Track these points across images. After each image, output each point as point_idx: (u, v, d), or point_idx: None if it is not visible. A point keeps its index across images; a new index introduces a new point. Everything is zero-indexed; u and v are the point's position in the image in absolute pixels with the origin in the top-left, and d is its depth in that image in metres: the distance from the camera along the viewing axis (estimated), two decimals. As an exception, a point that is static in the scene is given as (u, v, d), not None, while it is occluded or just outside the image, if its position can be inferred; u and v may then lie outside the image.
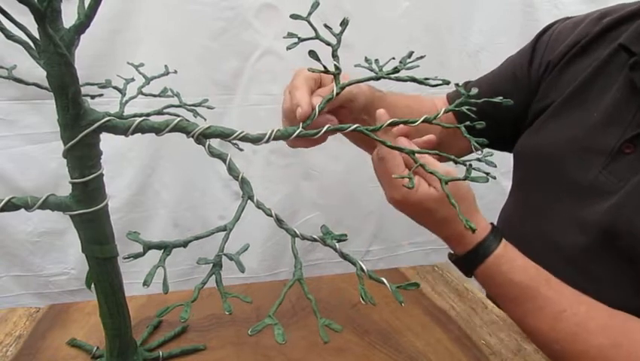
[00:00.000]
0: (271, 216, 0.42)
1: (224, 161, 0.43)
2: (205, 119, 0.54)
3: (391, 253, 1.46)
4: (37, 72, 0.44)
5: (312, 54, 0.46)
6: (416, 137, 0.57)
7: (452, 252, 0.59)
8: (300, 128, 0.46)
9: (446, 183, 0.43)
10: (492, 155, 0.47)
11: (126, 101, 0.59)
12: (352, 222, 1.38)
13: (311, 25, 0.47)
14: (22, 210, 0.42)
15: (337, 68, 0.49)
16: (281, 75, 1.20)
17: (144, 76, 0.62)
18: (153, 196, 1.23)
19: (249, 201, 0.42)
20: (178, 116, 0.44)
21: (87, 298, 0.64)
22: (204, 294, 0.40)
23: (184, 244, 0.42)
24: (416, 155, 0.47)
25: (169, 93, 0.64)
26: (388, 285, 0.40)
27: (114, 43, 1.10)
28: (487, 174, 0.43)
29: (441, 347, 0.63)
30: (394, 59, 0.53)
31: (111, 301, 0.50)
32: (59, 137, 0.42)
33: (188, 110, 0.61)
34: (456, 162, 0.45)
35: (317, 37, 0.47)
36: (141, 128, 0.43)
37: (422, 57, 0.51)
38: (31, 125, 1.12)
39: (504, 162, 0.76)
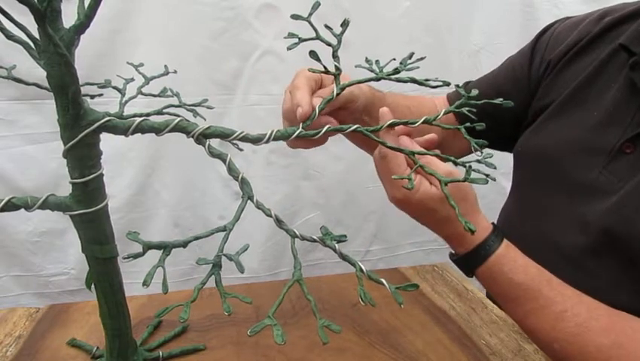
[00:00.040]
0: (271, 216, 0.42)
1: (224, 161, 0.43)
2: (205, 119, 0.54)
3: (391, 253, 1.46)
4: (37, 72, 0.44)
5: (313, 54, 0.46)
6: (418, 137, 0.57)
7: (453, 252, 0.59)
8: (300, 129, 0.46)
9: (446, 184, 0.43)
10: (491, 156, 0.47)
11: (126, 101, 0.59)
12: (351, 222, 1.38)
13: (311, 25, 0.47)
14: (22, 210, 0.42)
15: (338, 68, 0.49)
16: (281, 75, 1.20)
17: (143, 76, 0.62)
18: (153, 196, 1.23)
19: (249, 201, 0.42)
20: (178, 116, 0.44)
21: (87, 298, 0.64)
22: (204, 294, 0.40)
23: (184, 244, 0.42)
24: (420, 155, 0.47)
25: (169, 93, 0.64)
26: (387, 286, 0.40)
27: (114, 43, 1.10)
28: (487, 175, 0.43)
29: (441, 347, 0.63)
30: (394, 59, 0.53)
31: (111, 301, 0.50)
32: (59, 137, 0.42)
33: (188, 110, 0.61)
34: (456, 163, 0.46)
35: (317, 37, 0.47)
36: (141, 129, 0.43)
37: (422, 58, 0.51)
38: (31, 125, 1.12)
39: (504, 162, 0.76)
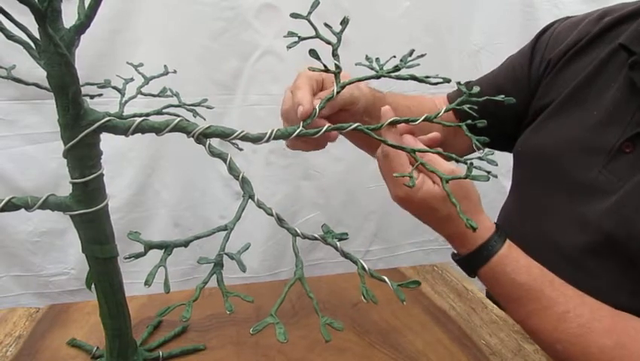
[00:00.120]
0: (272, 215, 0.42)
1: (225, 160, 0.43)
2: (205, 119, 0.54)
3: (391, 253, 1.46)
4: (37, 72, 0.44)
5: (313, 53, 0.46)
6: (420, 135, 0.57)
7: (455, 252, 0.59)
8: (301, 128, 0.46)
9: (447, 181, 0.43)
10: (492, 154, 0.47)
11: (126, 101, 0.59)
12: (351, 222, 1.38)
13: (311, 24, 0.47)
14: (23, 210, 0.42)
15: (338, 66, 0.49)
16: (281, 75, 1.20)
17: (143, 76, 0.62)
18: (154, 196, 1.23)
19: (250, 200, 0.42)
20: (178, 116, 0.44)
21: (87, 298, 0.64)
22: (204, 294, 0.40)
23: (185, 244, 0.42)
24: (422, 153, 0.47)
25: (169, 93, 0.64)
26: (389, 283, 0.40)
27: (114, 43, 1.10)
28: (488, 172, 0.43)
29: (441, 347, 0.63)
30: (394, 57, 0.53)
31: (111, 301, 0.50)
32: (59, 137, 0.42)
33: (188, 110, 0.61)
34: (457, 161, 0.46)
35: (317, 36, 0.47)
36: (142, 128, 0.43)
37: (422, 55, 0.51)
38: (31, 125, 1.12)
39: (504, 161, 0.76)
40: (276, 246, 1.32)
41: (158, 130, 0.43)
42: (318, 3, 0.48)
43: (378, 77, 0.50)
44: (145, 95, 0.62)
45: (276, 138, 0.44)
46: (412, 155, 0.46)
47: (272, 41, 1.19)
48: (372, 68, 0.51)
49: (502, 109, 0.55)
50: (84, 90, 0.44)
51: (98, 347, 0.61)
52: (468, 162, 0.43)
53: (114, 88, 0.60)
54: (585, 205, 0.62)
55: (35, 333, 0.65)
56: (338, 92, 0.50)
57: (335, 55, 0.48)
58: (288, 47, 0.47)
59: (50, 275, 1.23)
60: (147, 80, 0.62)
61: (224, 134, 0.43)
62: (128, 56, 0.98)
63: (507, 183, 0.79)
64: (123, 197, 1.20)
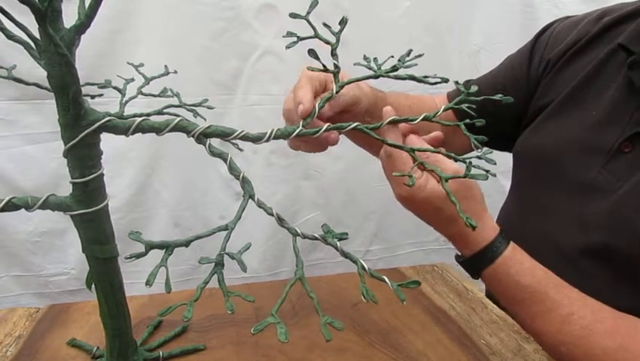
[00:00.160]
0: (272, 215, 0.42)
1: (225, 160, 0.43)
2: (205, 120, 0.54)
3: (391, 253, 1.46)
4: (37, 72, 0.44)
5: (312, 53, 0.47)
6: (421, 134, 0.57)
7: (458, 253, 0.58)
8: (300, 127, 0.46)
9: (446, 180, 0.43)
10: (491, 152, 0.47)
11: (126, 102, 0.59)
12: (352, 222, 1.38)
13: (310, 23, 0.47)
14: (23, 210, 0.42)
15: (336, 66, 0.49)
16: (281, 75, 1.21)
17: (143, 76, 0.62)
18: (154, 196, 1.23)
19: (250, 200, 0.42)
20: (178, 116, 0.44)
21: (87, 298, 0.64)
22: (204, 294, 0.40)
23: (186, 244, 0.42)
24: (426, 153, 0.47)
25: (169, 93, 0.64)
26: (389, 283, 0.40)
27: (114, 43, 1.10)
28: (487, 171, 0.43)
29: (441, 347, 0.63)
30: (392, 57, 0.53)
31: (112, 301, 0.50)
32: (59, 137, 0.42)
33: (188, 110, 0.61)
34: (456, 160, 0.46)
35: (316, 36, 0.47)
36: (142, 128, 0.43)
37: (420, 55, 0.51)
38: (31, 125, 1.12)
39: (503, 161, 0.76)
40: (276, 246, 1.32)
41: (158, 130, 0.43)
42: (317, 3, 0.48)
43: (376, 77, 0.50)
44: (146, 95, 0.62)
45: (276, 137, 0.44)
46: (412, 154, 0.46)
47: (272, 41, 1.19)
48: (370, 68, 0.51)
49: (500, 108, 0.55)
50: (85, 90, 0.44)
51: (98, 347, 0.61)
52: (467, 160, 0.43)
53: (115, 88, 0.60)
54: (584, 205, 0.62)
55: (35, 333, 0.65)
56: (337, 92, 0.50)
57: (334, 55, 0.48)
58: (287, 47, 0.47)
59: (50, 275, 1.23)
60: (148, 80, 0.62)
61: (224, 134, 0.43)
62: (128, 56, 0.98)
63: (506, 183, 0.79)
64: (123, 197, 1.20)
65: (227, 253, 0.41)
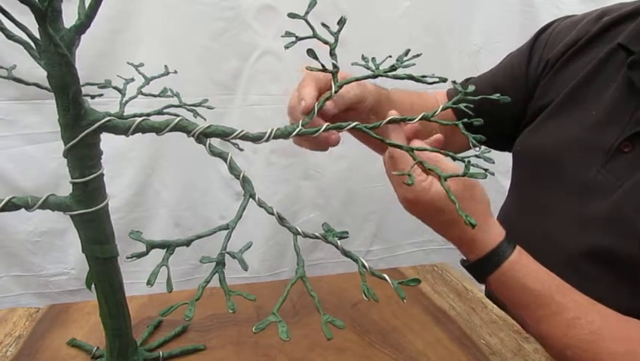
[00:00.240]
0: (273, 214, 0.42)
1: (225, 160, 0.43)
2: (205, 120, 0.54)
3: (391, 253, 1.46)
4: (37, 72, 0.44)
5: (310, 52, 0.47)
6: (421, 133, 0.57)
7: (464, 258, 0.58)
8: (300, 127, 0.46)
9: (445, 179, 0.43)
10: (489, 151, 0.47)
11: (126, 102, 0.59)
12: (352, 222, 1.38)
13: (308, 23, 0.47)
14: (23, 210, 0.42)
15: (335, 66, 0.49)
16: (281, 75, 1.21)
17: (143, 76, 0.62)
18: (154, 196, 1.23)
19: (250, 200, 0.42)
20: (178, 116, 0.44)
21: (87, 298, 0.64)
22: (205, 294, 0.40)
23: (187, 243, 0.42)
24: (426, 153, 0.47)
25: (169, 93, 0.64)
26: (389, 281, 0.40)
27: (114, 43, 1.10)
28: (485, 170, 0.43)
29: (441, 347, 0.63)
30: (390, 57, 0.53)
31: (111, 301, 0.50)
32: (59, 137, 0.42)
33: (188, 110, 0.61)
34: (455, 159, 0.46)
35: (314, 35, 0.48)
36: (142, 128, 0.43)
37: (418, 55, 0.51)
38: (31, 125, 1.12)
39: (503, 160, 0.76)
40: (277, 246, 1.32)
41: (158, 130, 0.43)
42: (315, 3, 0.48)
43: (375, 77, 0.51)
44: (146, 95, 0.62)
45: (276, 137, 0.44)
46: (411, 153, 0.46)
47: (272, 42, 1.19)
48: (368, 68, 0.51)
49: (498, 108, 0.55)
50: (85, 90, 0.44)
51: (98, 347, 0.61)
52: (466, 159, 0.43)
53: (115, 88, 0.60)
54: (584, 205, 0.62)
55: (35, 333, 0.65)
56: (336, 92, 0.50)
57: (333, 55, 0.48)
58: (286, 47, 0.47)
59: (50, 275, 1.23)
60: (148, 81, 0.62)
61: (224, 134, 0.43)
62: (128, 56, 0.98)
63: (506, 183, 0.79)
64: (123, 197, 1.20)
65: (228, 253, 0.41)
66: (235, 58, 1.19)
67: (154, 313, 0.69)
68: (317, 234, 0.43)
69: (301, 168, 1.30)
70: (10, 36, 0.46)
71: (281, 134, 0.45)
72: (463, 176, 0.42)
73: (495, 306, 0.72)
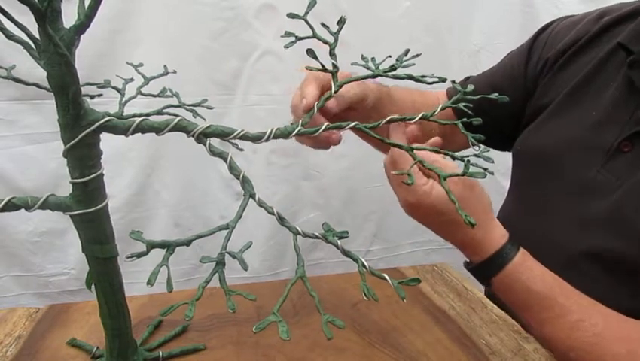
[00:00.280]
0: (273, 214, 0.42)
1: (225, 160, 0.43)
2: (205, 120, 0.54)
3: (391, 253, 1.46)
4: (37, 72, 0.44)
5: (310, 52, 0.47)
6: (419, 138, 0.57)
7: (467, 260, 0.58)
8: (300, 127, 0.46)
9: (445, 178, 0.43)
10: (488, 151, 0.47)
11: (126, 102, 0.59)
12: (352, 222, 1.38)
13: (308, 23, 0.47)
14: (23, 210, 0.42)
15: (335, 66, 0.49)
16: (281, 75, 1.21)
17: (143, 76, 0.62)
18: (154, 196, 1.23)
19: (250, 200, 0.42)
20: (178, 116, 0.44)
21: (87, 298, 0.64)
22: (205, 294, 0.40)
23: (187, 243, 0.42)
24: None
25: (168, 93, 0.64)
26: (389, 280, 0.40)
27: (114, 43, 1.10)
28: (485, 169, 0.43)
29: (441, 347, 0.63)
30: (390, 57, 0.53)
31: (111, 301, 0.50)
32: (59, 137, 0.42)
33: (187, 110, 0.61)
34: (454, 158, 0.46)
35: (314, 35, 0.48)
36: (142, 128, 0.43)
37: (418, 55, 0.51)
38: (31, 125, 1.12)
39: (502, 160, 0.76)
40: (277, 246, 1.32)
41: (158, 130, 0.43)
42: (315, 2, 0.48)
43: (375, 77, 0.51)
44: (145, 95, 0.62)
45: (275, 137, 0.44)
46: (411, 153, 0.46)
47: (272, 41, 1.19)
48: (368, 68, 0.52)
49: (497, 107, 0.55)
50: (84, 90, 0.44)
51: (98, 347, 0.61)
52: (465, 159, 0.43)
53: (114, 88, 0.60)
54: (584, 205, 0.62)
55: (35, 333, 0.65)
56: (335, 92, 0.50)
57: (332, 54, 0.48)
58: (286, 47, 0.48)
59: (50, 275, 1.23)
60: (147, 81, 0.62)
61: (224, 134, 0.43)
62: (128, 56, 0.98)
63: (506, 183, 0.79)
64: (123, 197, 1.20)
65: (228, 252, 0.41)
66: (235, 58, 1.19)
67: (154, 313, 0.69)
68: (317, 234, 0.43)
69: (301, 167, 1.30)
70: (9, 36, 0.46)
71: (281, 135, 0.45)
72: (463, 175, 0.42)
73: (495, 306, 0.72)
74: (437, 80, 0.50)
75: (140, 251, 0.40)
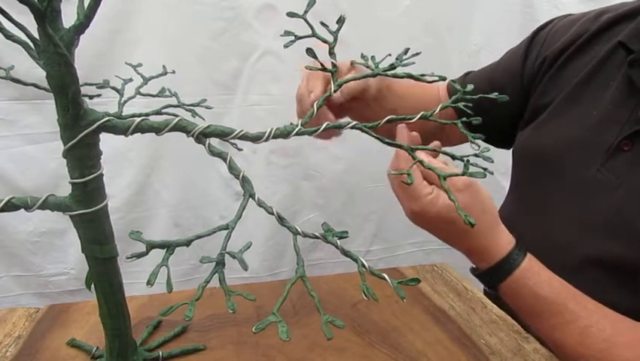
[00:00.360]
0: (272, 214, 0.42)
1: (225, 160, 0.43)
2: (205, 120, 0.54)
3: (391, 253, 1.46)
4: (36, 72, 0.44)
5: (310, 52, 0.47)
6: (421, 130, 0.57)
7: (473, 266, 0.58)
8: (300, 126, 0.46)
9: (445, 178, 0.43)
10: (489, 150, 0.47)
11: (125, 102, 0.59)
12: (351, 222, 1.38)
13: (307, 22, 0.47)
14: (22, 210, 0.42)
15: (334, 65, 0.49)
16: (281, 75, 1.21)
17: (142, 76, 0.62)
18: (154, 196, 1.23)
19: (250, 200, 0.42)
20: (177, 116, 0.44)
21: (87, 298, 0.64)
22: (205, 294, 0.40)
23: (187, 243, 0.42)
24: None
25: (167, 93, 0.64)
26: (389, 280, 0.40)
27: (113, 43, 1.10)
28: (485, 169, 0.43)
29: (441, 347, 0.63)
30: (390, 55, 0.53)
31: (111, 301, 0.50)
32: (58, 137, 0.42)
33: (187, 110, 0.61)
34: (454, 158, 0.46)
35: (313, 34, 0.48)
36: (141, 128, 0.43)
37: (417, 54, 0.51)
38: (31, 125, 1.12)
39: (502, 160, 0.76)
40: (276, 246, 1.32)
41: (158, 130, 0.43)
42: (314, 2, 0.48)
43: (374, 76, 0.51)
44: (144, 95, 0.62)
45: (275, 137, 0.44)
46: (411, 153, 0.46)
47: (272, 42, 1.19)
48: (367, 67, 0.52)
49: (495, 106, 0.55)
50: (83, 90, 0.44)
51: (98, 347, 0.61)
52: (465, 159, 0.43)
53: (113, 88, 0.60)
54: (584, 205, 0.62)
55: (35, 333, 0.65)
56: (335, 91, 0.51)
57: (332, 54, 0.48)
58: (285, 46, 0.48)
59: (50, 275, 1.23)
60: (146, 81, 0.62)
61: (224, 134, 0.43)
62: (128, 56, 0.98)
63: (506, 183, 0.79)
64: (123, 197, 1.20)
65: (227, 253, 0.41)
66: (235, 58, 1.19)
67: (154, 314, 0.69)
68: (317, 234, 0.43)
69: (301, 168, 1.30)
70: (9, 36, 0.46)
71: (281, 134, 0.45)
72: (463, 175, 0.42)
73: (494, 306, 0.72)
74: (436, 78, 0.50)
75: (140, 251, 0.40)
